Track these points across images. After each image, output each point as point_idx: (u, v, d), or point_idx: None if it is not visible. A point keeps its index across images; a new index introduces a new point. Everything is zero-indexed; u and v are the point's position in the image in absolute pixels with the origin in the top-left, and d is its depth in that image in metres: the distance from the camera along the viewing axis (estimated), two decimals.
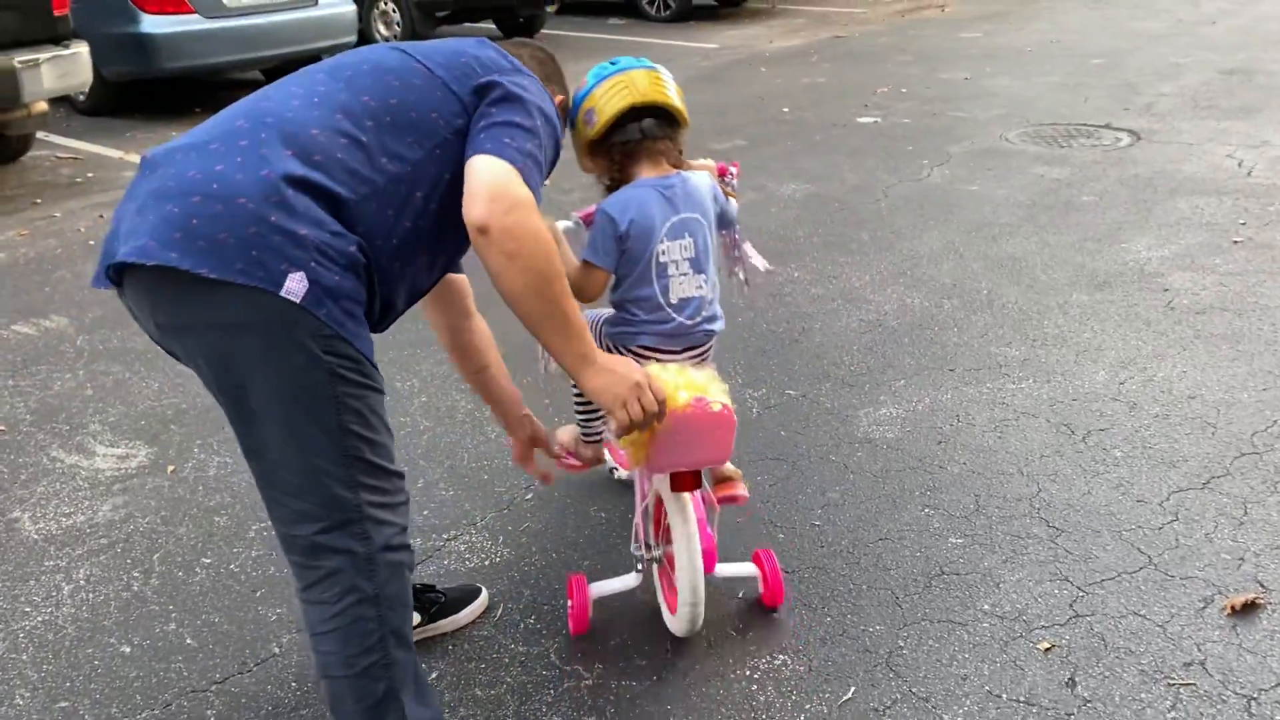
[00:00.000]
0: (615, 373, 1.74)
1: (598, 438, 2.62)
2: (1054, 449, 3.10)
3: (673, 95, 2.14)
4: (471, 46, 1.80)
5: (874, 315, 4.12)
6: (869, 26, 11.99)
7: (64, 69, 6.25)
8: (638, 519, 2.33)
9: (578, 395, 2.52)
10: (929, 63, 9.44)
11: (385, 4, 10.62)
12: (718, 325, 2.22)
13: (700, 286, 2.14)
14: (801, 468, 3.06)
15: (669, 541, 2.19)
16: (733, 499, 2.55)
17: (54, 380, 3.81)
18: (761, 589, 2.39)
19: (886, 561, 2.62)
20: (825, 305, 4.24)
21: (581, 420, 2.59)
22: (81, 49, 6.38)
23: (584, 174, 2.28)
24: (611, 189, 2.16)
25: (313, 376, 1.56)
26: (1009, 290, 4.30)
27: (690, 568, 2.08)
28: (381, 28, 10.74)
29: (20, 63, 5.95)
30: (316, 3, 8.60)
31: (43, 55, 6.08)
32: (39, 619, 2.53)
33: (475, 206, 1.57)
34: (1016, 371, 3.60)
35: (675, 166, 2.16)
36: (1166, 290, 4.23)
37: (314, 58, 9.27)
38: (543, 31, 12.14)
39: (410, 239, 1.67)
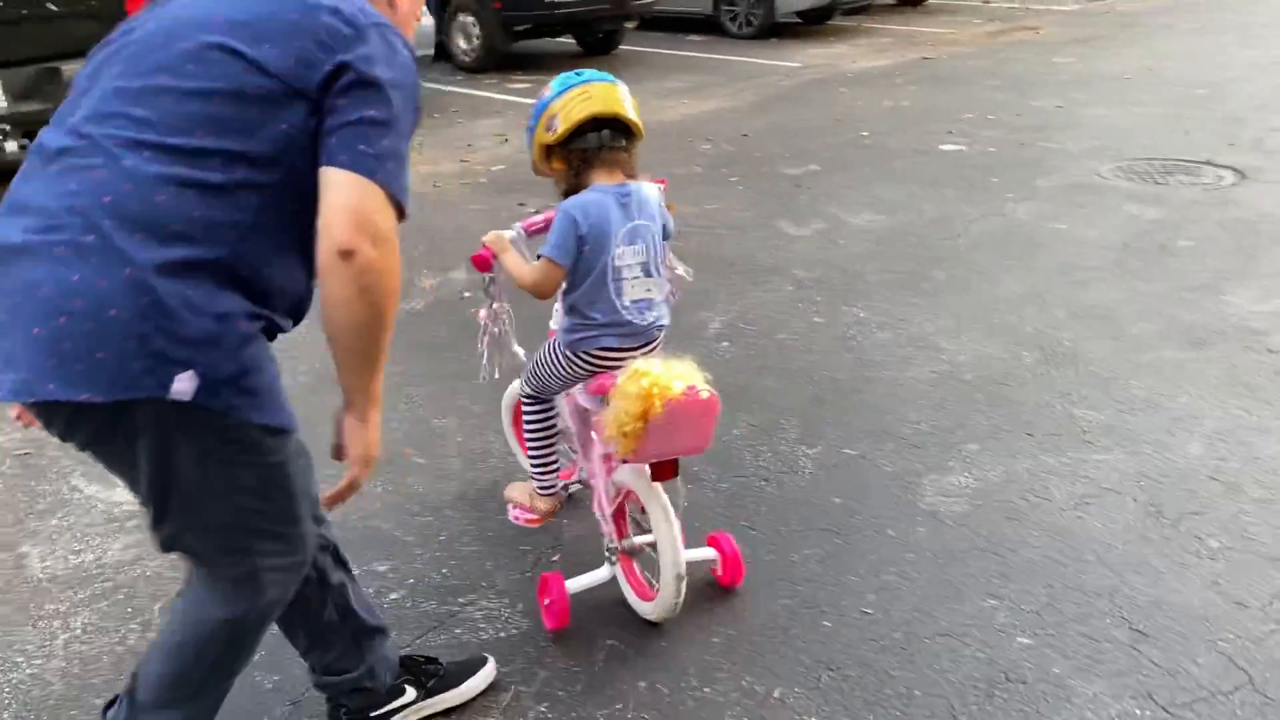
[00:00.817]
0: (379, 437, 1.70)
1: (552, 489, 2.65)
2: (1140, 534, 2.78)
3: (630, 109, 2.24)
4: (307, 8, 1.55)
5: (946, 366, 3.83)
6: (957, 48, 11.59)
7: None
8: (603, 512, 2.45)
9: (532, 448, 2.58)
10: (1019, 88, 9.04)
11: (464, 18, 10.57)
12: (666, 320, 2.35)
13: (649, 289, 2.26)
14: (855, 542, 2.79)
15: (636, 533, 2.42)
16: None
17: None
18: (721, 569, 2.54)
19: (944, 662, 2.34)
20: (893, 352, 3.96)
21: (537, 472, 2.61)
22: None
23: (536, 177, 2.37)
24: (569, 193, 2.26)
25: (209, 467, 1.55)
26: (1095, 344, 3.97)
27: (673, 551, 2.22)
28: (461, 41, 10.69)
29: None
30: None
31: None
32: (28, 671, 2.40)
33: (338, 230, 1.46)
34: (1101, 439, 3.28)
35: (629, 176, 2.28)
36: (1272, 351, 3.86)
37: None
38: (622, 47, 12.00)
39: (294, 252, 1.58)
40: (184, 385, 1.45)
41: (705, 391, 2.04)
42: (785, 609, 2.52)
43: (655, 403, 2.01)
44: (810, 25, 13.56)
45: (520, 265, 2.32)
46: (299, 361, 3.98)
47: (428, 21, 8.95)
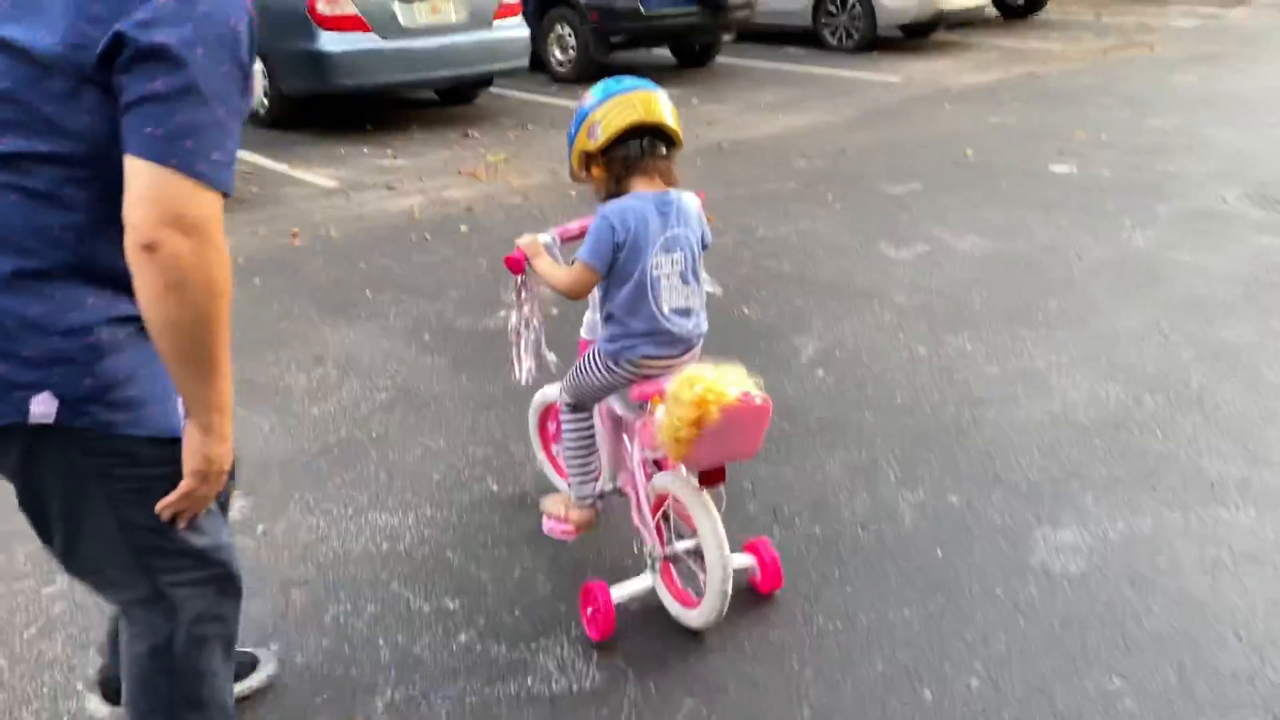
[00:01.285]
0: (228, 448, 1.55)
1: (589, 500, 2.61)
2: None
3: (671, 117, 2.25)
4: None
5: (1059, 407, 3.56)
6: (1067, 64, 11.14)
7: None
8: (643, 519, 2.43)
9: (570, 458, 2.56)
10: (1133, 107, 8.61)
11: (561, 29, 10.53)
12: (705, 328, 2.36)
13: (688, 297, 2.27)
14: (960, 602, 2.57)
15: (677, 538, 2.43)
16: None
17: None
18: (760, 575, 2.52)
19: None
20: (1002, 389, 3.70)
21: (576, 481, 2.59)
22: (255, 66, 6.42)
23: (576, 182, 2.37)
24: (607, 199, 2.26)
25: (83, 486, 1.50)
26: (1225, 387, 3.66)
27: (720, 555, 2.22)
28: (556, 52, 10.66)
29: None
30: (491, 26, 8.53)
31: None
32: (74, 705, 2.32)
33: (138, 222, 1.33)
34: (1234, 496, 2.99)
35: (669, 184, 2.28)
36: None
37: (487, 81, 9.24)
38: (718, 59, 11.83)
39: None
40: (42, 408, 1.39)
41: (759, 397, 2.05)
42: (882, 677, 2.32)
43: (711, 409, 1.99)
44: (912, 39, 13.21)
45: (554, 269, 2.34)
46: (377, 377, 3.91)
47: (525, 31, 8.91)
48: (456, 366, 3.96)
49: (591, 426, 2.54)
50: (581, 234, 2.39)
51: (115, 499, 1.53)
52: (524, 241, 2.41)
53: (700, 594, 2.34)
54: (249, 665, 2.26)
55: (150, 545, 1.58)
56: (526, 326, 2.56)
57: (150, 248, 1.32)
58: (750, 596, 2.55)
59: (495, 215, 6.12)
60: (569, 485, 2.63)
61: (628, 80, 2.26)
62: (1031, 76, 10.41)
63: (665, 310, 2.24)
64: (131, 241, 1.33)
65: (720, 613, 2.30)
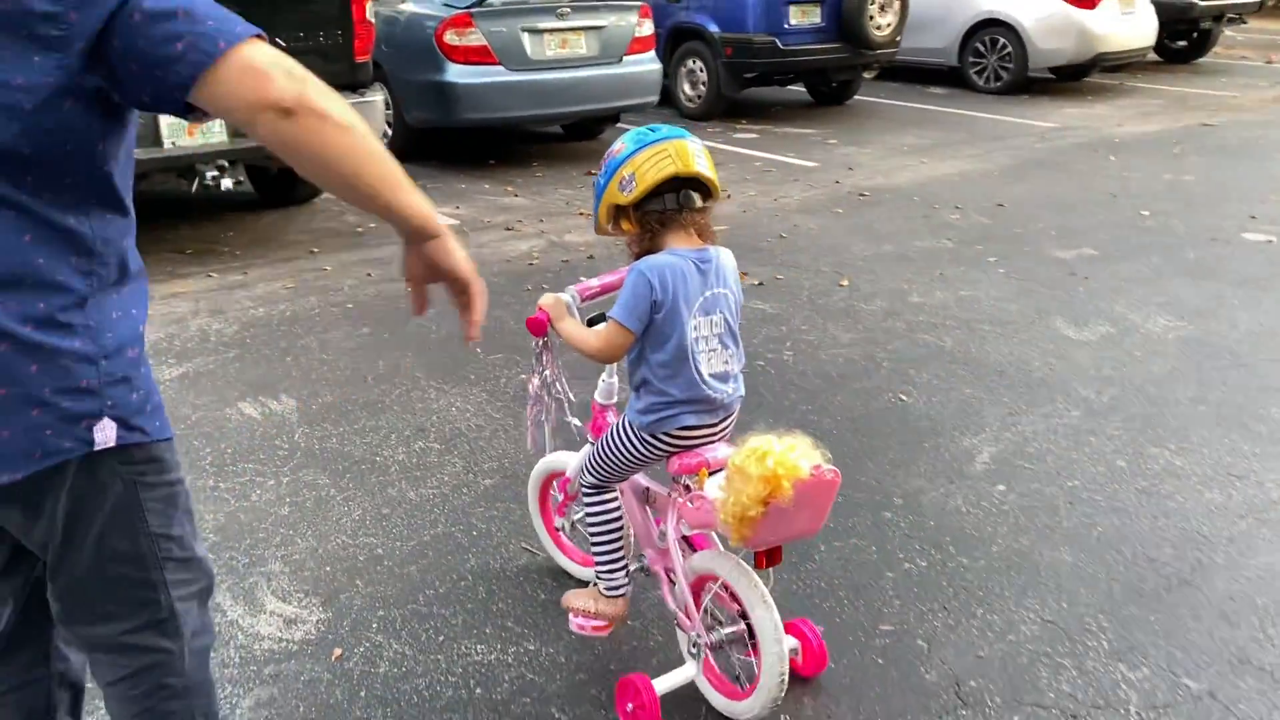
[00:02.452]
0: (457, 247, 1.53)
1: (621, 590, 2.36)
2: None
3: (708, 168, 2.10)
4: None
5: None
6: (1242, 114, 10.20)
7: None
8: (683, 603, 2.27)
9: (599, 544, 2.32)
10: None
11: (692, 64, 10.10)
12: (743, 392, 2.21)
13: (727, 361, 2.14)
14: None
15: (719, 624, 2.24)
16: None
17: (255, 487, 3.30)
18: (802, 658, 2.34)
19: None
20: (1229, 525, 3.04)
21: (604, 570, 2.35)
22: (377, 97, 6.15)
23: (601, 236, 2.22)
24: (639, 256, 2.11)
25: (124, 498, 1.49)
26: None
27: (776, 639, 2.07)
28: (686, 87, 10.24)
29: None
30: (621, 60, 8.15)
31: None
32: None
33: (255, 101, 1.30)
34: None
35: (705, 239, 2.13)
36: None
37: (614, 116, 8.86)
38: (857, 98, 11.24)
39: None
40: (104, 435, 1.41)
41: (830, 471, 1.93)
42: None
43: (783, 485, 1.85)
44: (1065, 82, 12.39)
45: (580, 331, 2.19)
46: (481, 458, 3.46)
47: (657, 66, 8.50)
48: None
49: (619, 507, 2.33)
50: (603, 292, 2.30)
51: (149, 509, 1.53)
52: (547, 301, 2.23)
53: (744, 681, 2.21)
54: None
55: (172, 556, 1.57)
56: (549, 393, 2.40)
57: (287, 113, 1.31)
58: (791, 680, 2.23)
59: (619, 261, 5.65)
60: (596, 575, 2.39)
61: (661, 129, 2.11)
62: (1204, 127, 9.53)
63: (705, 376, 2.09)
64: (267, 127, 1.31)
65: (777, 702, 2.14)
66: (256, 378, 4.17)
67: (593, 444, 2.32)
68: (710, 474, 2.11)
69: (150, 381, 1.48)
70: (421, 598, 2.73)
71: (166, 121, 5.37)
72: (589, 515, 2.33)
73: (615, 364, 2.32)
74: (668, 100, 10.25)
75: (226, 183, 5.56)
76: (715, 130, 9.69)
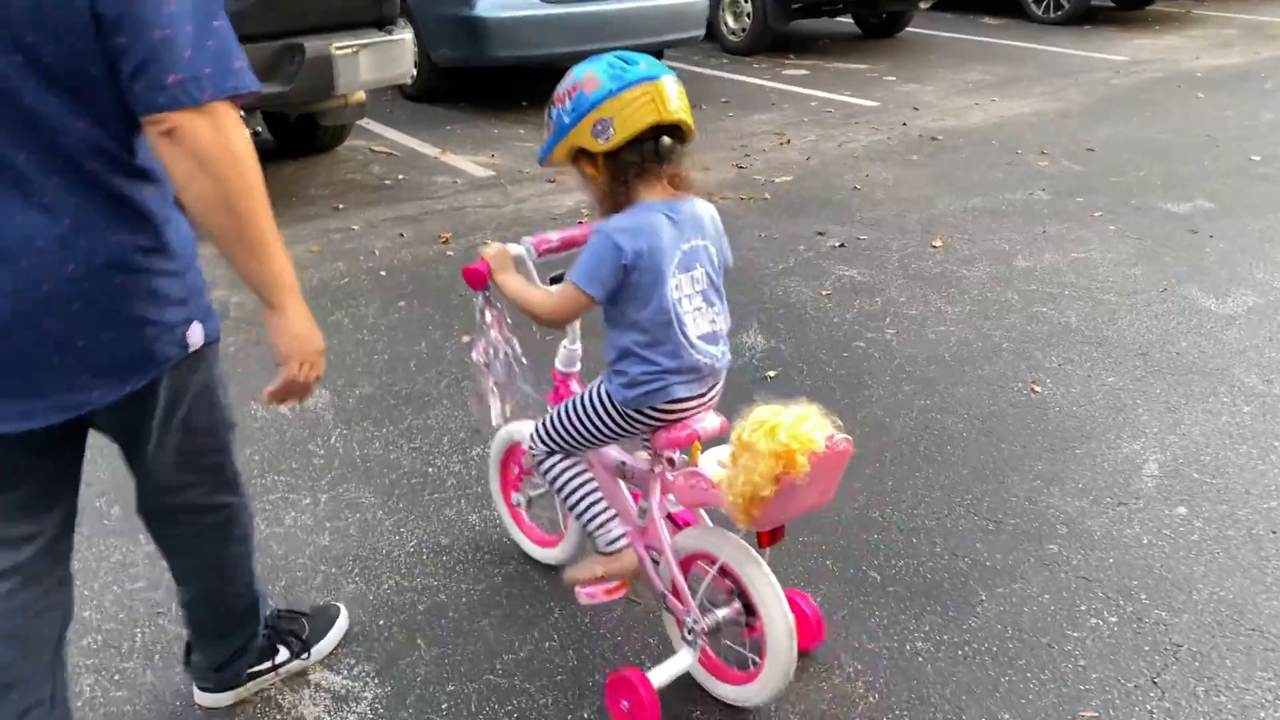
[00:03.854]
0: (311, 325, 1.66)
1: (620, 541, 2.12)
2: None
3: (687, 112, 1.87)
4: None
5: None
6: None
7: (384, 57, 5.43)
8: (675, 585, 2.05)
9: (578, 502, 2.11)
10: None
11: None
12: (729, 355, 2.02)
13: (714, 320, 1.95)
14: None
15: (711, 606, 2.05)
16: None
17: (288, 507, 2.80)
18: (799, 629, 2.04)
19: None
20: None
21: (595, 528, 2.13)
22: (405, 35, 5.53)
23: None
24: (613, 211, 1.90)
25: (205, 384, 1.73)
26: None
27: (785, 625, 1.89)
28: (729, 19, 9.53)
29: (338, 49, 5.15)
30: None
31: (363, 41, 5.26)
32: None
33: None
34: None
35: (678, 188, 1.92)
36: None
37: (657, 52, 8.19)
38: (909, 29, 10.50)
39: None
40: (195, 336, 1.63)
41: (844, 440, 1.78)
42: None
43: (797, 459, 1.69)
44: (1128, 10, 11.58)
45: (527, 289, 2.01)
46: None
47: None
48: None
49: (586, 465, 2.13)
50: (563, 247, 2.12)
51: (219, 389, 1.78)
52: (491, 251, 2.05)
53: (745, 666, 2.06)
54: (330, 619, 2.29)
55: (230, 424, 1.85)
56: (495, 355, 2.15)
57: (169, 133, 1.41)
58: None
59: None
60: (591, 536, 2.17)
61: (637, 62, 1.85)
62: None
63: (693, 339, 1.91)
64: (153, 133, 1.42)
65: (787, 684, 1.98)
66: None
67: (552, 412, 2.09)
68: (703, 448, 1.97)
69: (205, 283, 1.67)
70: (499, 666, 2.23)
71: None
72: (553, 480, 2.13)
73: (577, 329, 2.18)
74: (709, 34, 9.55)
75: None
76: (761, 66, 9.02)
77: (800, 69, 8.92)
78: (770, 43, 9.53)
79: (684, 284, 1.89)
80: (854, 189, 5.55)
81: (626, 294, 1.86)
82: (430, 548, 2.62)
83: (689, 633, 2.05)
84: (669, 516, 2.14)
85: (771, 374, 3.47)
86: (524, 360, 2.16)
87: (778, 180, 5.76)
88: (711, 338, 1.94)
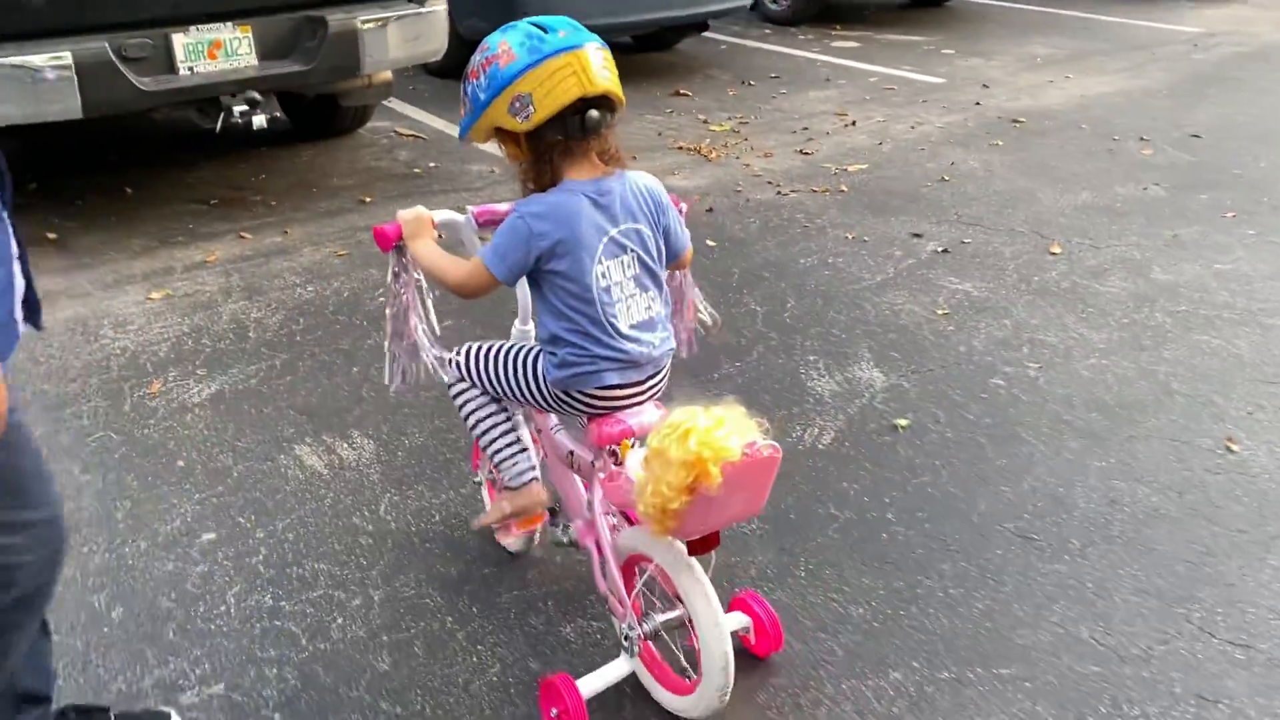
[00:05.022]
0: None
1: (528, 475, 2.01)
2: None
3: (614, 81, 1.75)
4: None
5: None
6: None
7: (415, 32, 4.82)
8: (613, 586, 1.93)
9: (482, 429, 2.00)
10: None
11: None
12: (673, 343, 1.92)
13: (650, 305, 1.84)
14: None
15: (654, 610, 1.93)
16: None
17: (334, 611, 2.24)
18: (754, 637, 2.03)
19: None
20: None
21: (500, 459, 2.00)
22: (438, 7, 4.92)
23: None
24: (538, 190, 1.79)
25: None
26: None
27: (716, 629, 1.77)
28: None
29: (364, 23, 4.55)
30: None
31: (392, 14, 4.65)
32: None
33: None
34: None
35: (609, 163, 1.80)
36: None
37: (701, 25, 7.55)
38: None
39: None
40: None
41: (766, 447, 1.61)
42: None
43: (709, 469, 1.54)
44: None
45: (438, 257, 1.88)
46: None
47: None
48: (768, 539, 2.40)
49: (503, 402, 2.01)
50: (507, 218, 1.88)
51: None
52: (406, 215, 1.93)
53: (690, 673, 1.90)
54: None
55: None
56: (405, 319, 2.03)
57: None
58: (745, 662, 1.98)
59: (746, 218, 4.50)
60: (495, 467, 2.05)
61: (556, 29, 1.70)
62: None
63: (624, 327, 1.79)
64: None
65: (724, 699, 1.83)
66: (315, 401, 3.08)
67: (485, 346, 1.98)
68: (633, 445, 1.86)
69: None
70: None
71: (181, 41, 4.18)
72: (462, 406, 2.01)
73: (529, 308, 2.01)
74: (758, 7, 8.90)
75: (259, 119, 4.39)
76: (808, 38, 8.38)
77: (850, 40, 8.28)
78: (815, 12, 8.89)
79: (612, 270, 1.78)
80: (941, 180, 4.95)
81: (545, 280, 1.77)
82: (521, 677, 2.06)
83: (625, 639, 1.94)
84: (625, 514, 1.97)
85: (902, 423, 2.89)
86: (436, 329, 2.04)
87: (851, 169, 5.16)
88: (646, 325, 1.82)
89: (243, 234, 4.41)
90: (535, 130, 1.73)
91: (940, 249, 4.11)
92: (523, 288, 1.99)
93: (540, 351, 1.87)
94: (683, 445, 1.55)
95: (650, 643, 1.96)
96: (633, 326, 1.80)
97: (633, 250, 1.80)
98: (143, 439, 2.91)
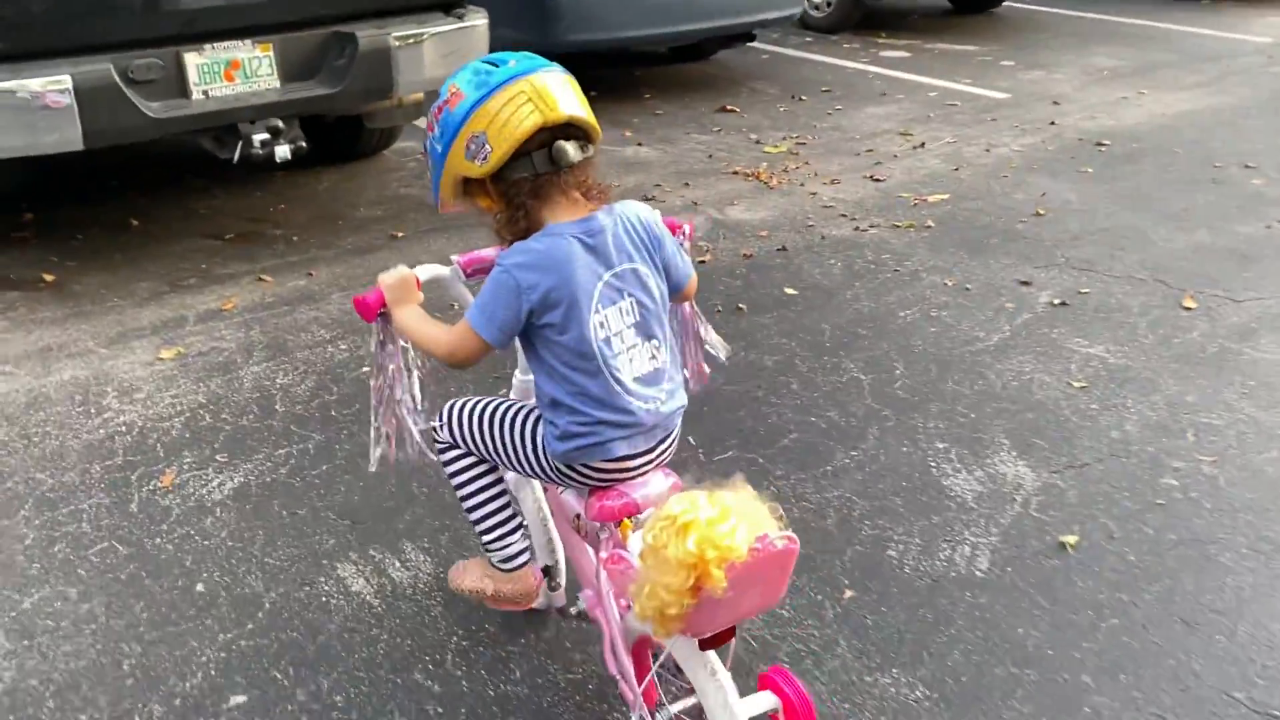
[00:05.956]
0: None
1: (517, 561, 1.87)
2: None
3: (583, 106, 1.60)
4: None
5: None
6: None
7: (454, 48, 4.32)
8: (621, 668, 1.78)
9: (473, 503, 1.85)
10: None
11: None
12: (684, 399, 1.73)
13: (655, 355, 1.66)
14: None
15: (669, 700, 1.76)
16: None
17: None
18: (785, 717, 1.69)
19: None
20: None
21: (489, 539, 1.86)
22: (479, 22, 4.43)
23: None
24: (515, 238, 1.63)
25: None
26: None
27: None
28: None
29: (397, 40, 4.06)
30: None
31: (429, 30, 4.17)
32: None
33: None
34: None
35: (594, 199, 1.64)
36: None
37: (747, 36, 7.06)
38: (1006, 4, 9.34)
39: None
40: None
41: (780, 540, 1.41)
42: None
43: (712, 571, 1.34)
44: None
45: (423, 325, 1.71)
46: None
47: None
48: None
49: (495, 469, 1.84)
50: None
51: None
52: (388, 280, 1.73)
53: None
54: None
55: None
56: (389, 393, 1.81)
57: None
58: None
59: (825, 259, 4.03)
60: (483, 547, 1.88)
61: (507, 60, 1.57)
62: None
63: (627, 382, 1.61)
64: None
65: None
66: (358, 500, 2.60)
67: (478, 403, 1.80)
68: (635, 525, 1.67)
69: None
70: None
71: (195, 61, 3.70)
72: (452, 474, 1.86)
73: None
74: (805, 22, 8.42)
75: (283, 150, 3.90)
76: (853, 47, 7.89)
77: (898, 50, 7.80)
78: (858, 19, 8.41)
79: (610, 320, 1.61)
80: (1035, 214, 4.47)
81: (538, 337, 1.62)
82: None
83: None
84: None
85: (1070, 540, 2.40)
86: (423, 404, 1.86)
87: (931, 200, 4.67)
88: (652, 378, 1.66)
89: (262, 276, 3.93)
90: (498, 172, 1.58)
91: (1056, 300, 3.62)
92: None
93: (539, 418, 1.70)
94: (681, 543, 1.36)
95: None
96: (637, 380, 1.63)
97: (631, 295, 1.63)
98: (154, 552, 2.43)
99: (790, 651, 2.10)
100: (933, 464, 2.70)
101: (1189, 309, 3.55)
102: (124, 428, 2.94)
